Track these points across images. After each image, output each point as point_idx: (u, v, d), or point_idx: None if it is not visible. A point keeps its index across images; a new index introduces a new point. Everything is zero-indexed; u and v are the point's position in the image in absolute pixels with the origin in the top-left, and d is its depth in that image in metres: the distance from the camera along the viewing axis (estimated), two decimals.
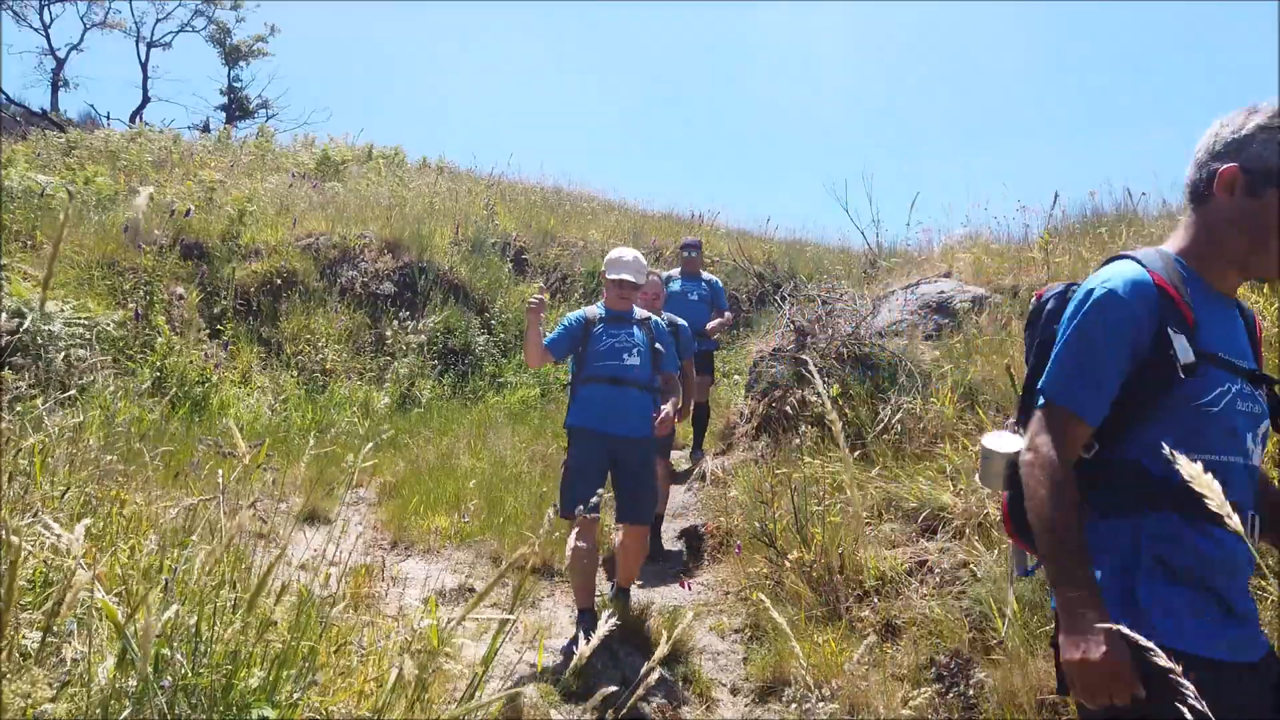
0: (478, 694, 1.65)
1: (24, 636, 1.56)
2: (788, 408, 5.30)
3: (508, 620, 1.73)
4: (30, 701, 1.40)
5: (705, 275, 6.38)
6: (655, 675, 1.40)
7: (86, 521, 1.48)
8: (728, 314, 6.25)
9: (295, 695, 1.77)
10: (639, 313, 3.96)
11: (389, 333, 8.15)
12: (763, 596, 3.05)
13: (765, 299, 9.86)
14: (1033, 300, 1.66)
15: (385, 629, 2.73)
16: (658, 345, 3.87)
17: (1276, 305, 3.88)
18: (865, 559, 3.70)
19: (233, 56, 26.35)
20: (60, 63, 24.50)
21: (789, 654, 3.23)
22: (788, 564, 3.78)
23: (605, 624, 1.53)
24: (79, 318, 5.56)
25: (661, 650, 1.39)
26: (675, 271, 6.40)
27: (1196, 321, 1.41)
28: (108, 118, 22.45)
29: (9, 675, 1.38)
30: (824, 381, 5.06)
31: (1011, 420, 1.68)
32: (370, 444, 2.20)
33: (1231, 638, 1.37)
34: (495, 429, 6.66)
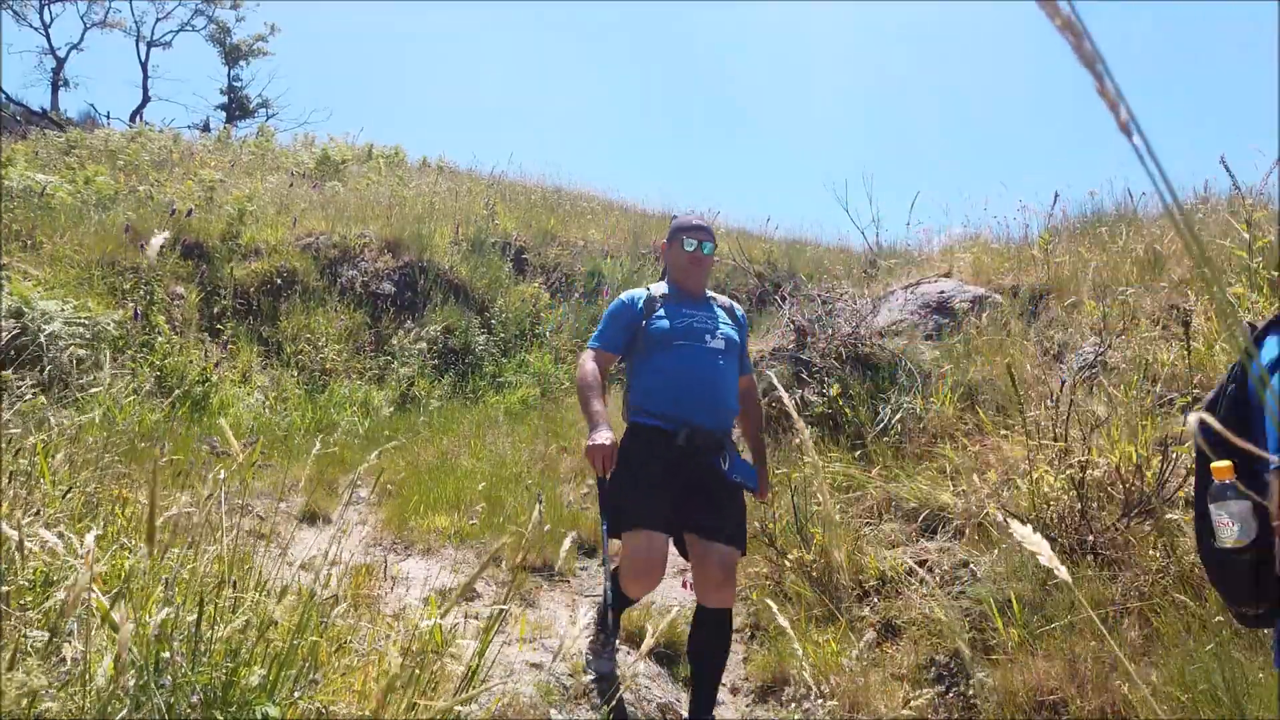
0: (473, 689, 1.65)
1: (24, 636, 1.56)
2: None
3: (502, 612, 1.74)
4: (30, 699, 1.40)
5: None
6: (642, 666, 1.41)
7: (97, 532, 1.48)
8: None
9: (296, 694, 1.78)
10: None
11: (390, 333, 8.15)
12: (769, 601, 3.05)
13: (765, 299, 9.86)
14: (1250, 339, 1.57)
15: (386, 628, 2.73)
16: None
17: (1276, 305, 3.88)
18: (865, 559, 3.71)
19: (233, 56, 26.37)
20: (60, 62, 24.51)
21: (789, 654, 3.23)
22: (787, 564, 3.79)
23: (584, 614, 1.54)
24: (79, 317, 5.56)
25: (648, 643, 1.40)
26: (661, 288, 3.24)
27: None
28: (108, 117, 22.49)
29: (9, 673, 1.38)
30: (824, 381, 5.06)
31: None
32: (376, 451, 2.21)
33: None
34: (495, 429, 6.66)
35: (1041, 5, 0.46)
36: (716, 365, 2.98)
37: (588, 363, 3.02)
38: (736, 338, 3.10)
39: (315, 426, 6.32)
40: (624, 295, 3.17)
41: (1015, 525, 0.94)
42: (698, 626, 2.88)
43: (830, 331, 5.37)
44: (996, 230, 7.46)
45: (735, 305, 3.25)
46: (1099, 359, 4.27)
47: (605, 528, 2.87)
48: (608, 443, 2.77)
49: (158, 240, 1.77)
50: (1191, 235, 0.47)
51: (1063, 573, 0.92)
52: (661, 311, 3.07)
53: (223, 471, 1.91)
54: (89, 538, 1.39)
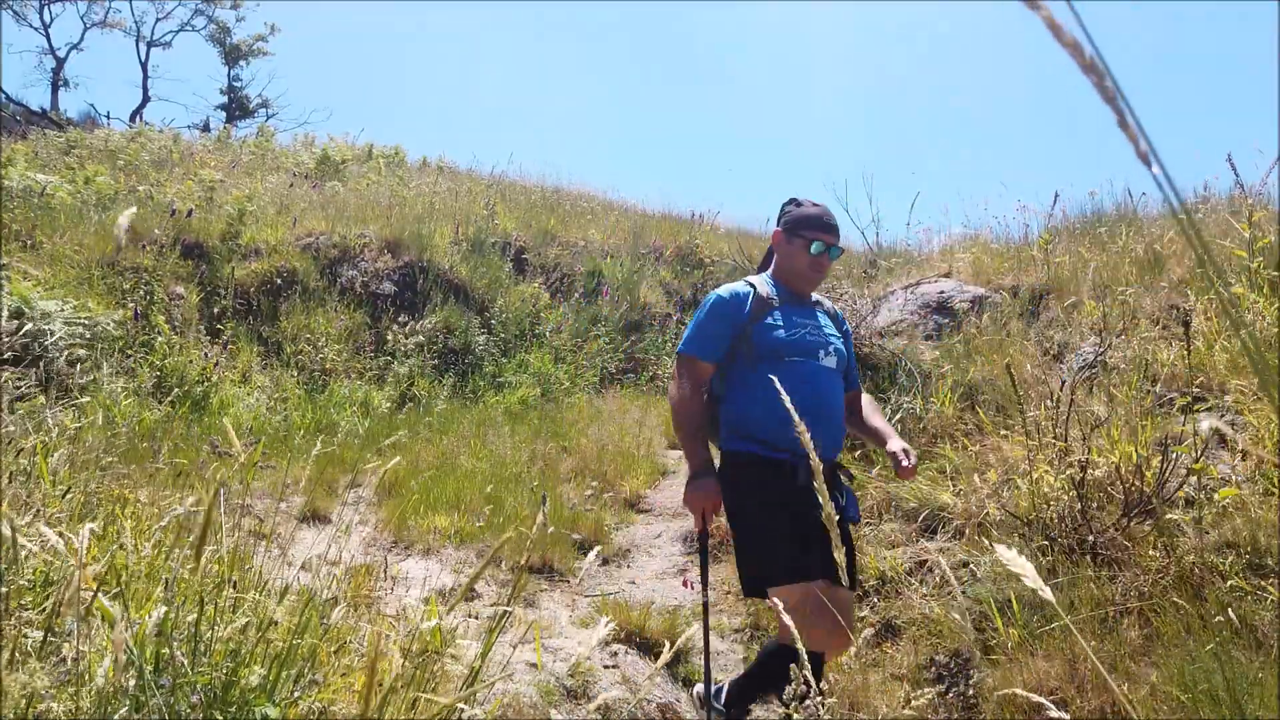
0: (476, 689, 1.66)
1: (24, 635, 1.56)
2: None
3: (505, 614, 1.74)
4: (30, 698, 1.40)
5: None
6: (643, 666, 1.41)
7: (91, 525, 1.48)
8: None
9: (295, 694, 1.78)
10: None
11: (389, 333, 8.15)
12: (769, 601, 3.04)
13: None
14: None
15: (386, 628, 2.73)
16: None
17: (1276, 305, 3.88)
18: (865, 559, 3.71)
19: (233, 56, 26.39)
20: (60, 62, 24.52)
21: None
22: None
23: (603, 626, 1.54)
24: (79, 317, 5.56)
25: (665, 656, 1.40)
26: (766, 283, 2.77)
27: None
28: (108, 117, 22.51)
29: (9, 671, 1.39)
30: None
31: None
32: (380, 452, 2.21)
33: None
34: (495, 429, 6.66)
35: (1066, 49, 0.47)
36: (831, 388, 2.61)
37: (685, 382, 2.58)
38: (845, 351, 2.73)
39: (315, 426, 6.32)
40: (724, 291, 2.67)
41: (1000, 549, 0.93)
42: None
43: None
44: (996, 230, 7.48)
45: (839, 310, 2.90)
46: (1099, 359, 4.27)
47: (705, 595, 2.64)
48: (714, 492, 2.49)
49: (124, 219, 1.77)
50: (1208, 258, 0.47)
51: (1046, 593, 0.90)
52: (772, 318, 2.61)
53: (224, 472, 1.91)
54: (83, 532, 1.39)
